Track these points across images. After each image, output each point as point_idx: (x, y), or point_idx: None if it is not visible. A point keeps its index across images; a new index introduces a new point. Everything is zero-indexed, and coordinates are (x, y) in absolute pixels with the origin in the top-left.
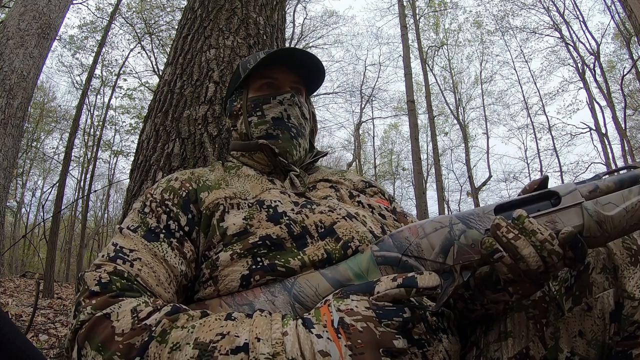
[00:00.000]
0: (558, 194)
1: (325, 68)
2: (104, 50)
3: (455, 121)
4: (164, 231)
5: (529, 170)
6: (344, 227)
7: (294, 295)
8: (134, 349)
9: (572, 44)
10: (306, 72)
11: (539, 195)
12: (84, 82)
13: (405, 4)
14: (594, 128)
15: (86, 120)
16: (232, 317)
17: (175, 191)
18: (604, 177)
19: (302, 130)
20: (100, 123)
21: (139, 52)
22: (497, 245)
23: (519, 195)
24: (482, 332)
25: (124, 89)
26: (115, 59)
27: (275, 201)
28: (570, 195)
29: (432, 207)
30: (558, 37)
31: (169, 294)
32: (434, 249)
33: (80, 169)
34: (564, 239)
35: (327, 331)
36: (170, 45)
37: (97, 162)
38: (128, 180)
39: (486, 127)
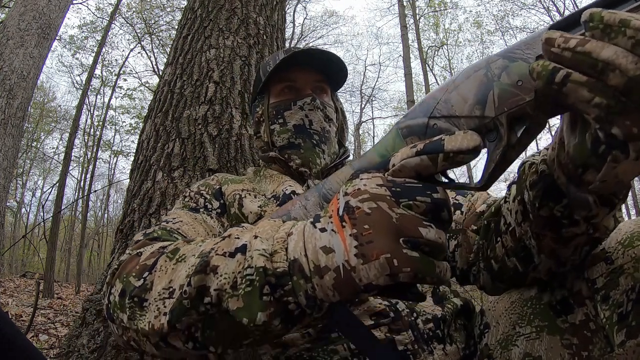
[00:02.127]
0: None
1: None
2: (104, 50)
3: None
4: (202, 208)
5: None
6: None
7: (322, 195)
8: (146, 268)
9: None
10: (327, 69)
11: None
12: (84, 82)
13: (405, 4)
14: None
15: (86, 120)
16: (242, 226)
17: (209, 185)
18: None
19: (325, 134)
20: (100, 123)
21: (139, 52)
22: (553, 64)
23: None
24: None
25: (124, 89)
26: (115, 59)
27: (289, 187)
28: None
29: None
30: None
31: None
32: (467, 102)
33: (80, 169)
34: None
35: (331, 222)
36: (170, 45)
37: (97, 162)
38: (128, 180)
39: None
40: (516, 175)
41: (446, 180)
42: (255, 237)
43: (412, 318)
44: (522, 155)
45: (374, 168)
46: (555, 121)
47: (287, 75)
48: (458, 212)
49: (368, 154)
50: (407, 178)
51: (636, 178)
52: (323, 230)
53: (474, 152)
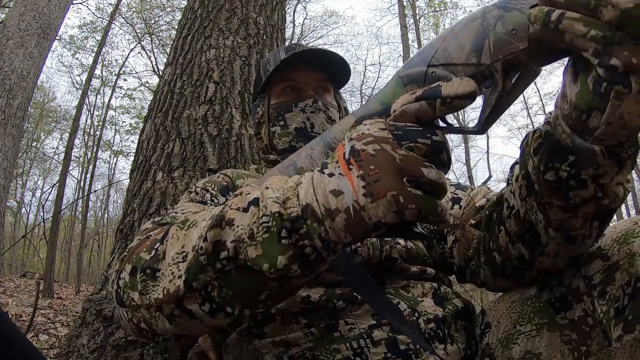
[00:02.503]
0: None
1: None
2: (104, 50)
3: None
4: (209, 201)
5: None
6: None
7: (327, 144)
8: (157, 241)
9: None
10: (329, 68)
11: None
12: (84, 82)
13: (405, 4)
14: None
15: (86, 120)
16: (250, 185)
17: (215, 182)
18: None
19: None
20: (100, 123)
21: (139, 52)
22: (548, 7)
23: None
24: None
25: (124, 89)
26: (115, 59)
27: None
28: None
29: None
30: None
31: None
32: (464, 50)
33: (80, 169)
34: None
35: (338, 166)
36: (170, 45)
37: (97, 162)
38: (128, 180)
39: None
40: (518, 157)
41: (444, 125)
42: (267, 188)
43: (414, 318)
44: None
45: (376, 115)
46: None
47: (288, 74)
48: (456, 206)
49: (370, 103)
50: (407, 123)
51: (636, 178)
52: (331, 175)
53: (469, 97)
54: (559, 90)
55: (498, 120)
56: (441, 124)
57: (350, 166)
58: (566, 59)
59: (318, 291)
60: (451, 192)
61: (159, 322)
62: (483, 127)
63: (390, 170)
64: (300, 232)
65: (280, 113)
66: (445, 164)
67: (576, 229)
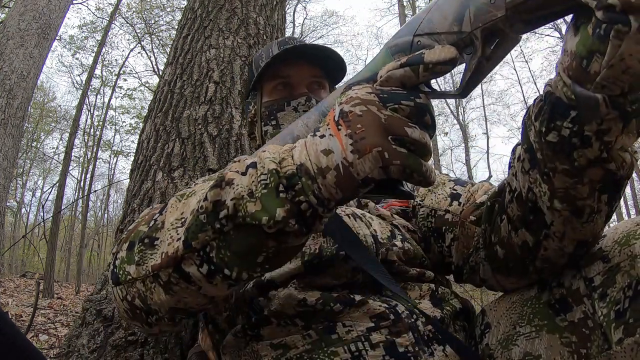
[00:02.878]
0: None
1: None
2: (104, 50)
3: (455, 121)
4: None
5: None
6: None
7: (322, 112)
8: (155, 214)
9: None
10: (325, 63)
11: None
12: (84, 82)
13: (405, 4)
14: None
15: (86, 120)
16: (250, 156)
17: (213, 178)
18: None
19: None
20: (100, 123)
21: (139, 52)
22: None
23: None
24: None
25: (124, 89)
26: (115, 59)
27: None
28: None
29: None
30: (558, 37)
31: None
32: (447, 19)
33: (80, 169)
34: None
35: (329, 128)
36: (170, 45)
37: (97, 162)
38: (128, 180)
39: (486, 127)
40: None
41: (429, 90)
42: (264, 152)
43: (412, 320)
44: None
45: (364, 81)
46: None
47: (280, 70)
48: (455, 202)
49: (361, 72)
50: (393, 87)
51: (636, 178)
52: (322, 136)
53: (450, 63)
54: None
55: (498, 121)
56: (425, 89)
57: (339, 127)
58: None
59: (314, 294)
60: (450, 188)
61: (155, 293)
62: (464, 90)
63: (376, 128)
64: (296, 189)
65: (272, 112)
66: (429, 126)
67: (583, 197)
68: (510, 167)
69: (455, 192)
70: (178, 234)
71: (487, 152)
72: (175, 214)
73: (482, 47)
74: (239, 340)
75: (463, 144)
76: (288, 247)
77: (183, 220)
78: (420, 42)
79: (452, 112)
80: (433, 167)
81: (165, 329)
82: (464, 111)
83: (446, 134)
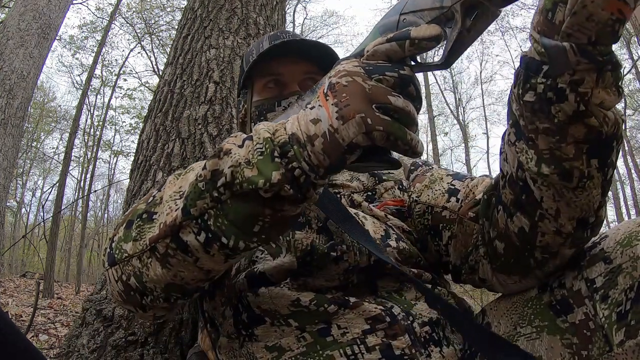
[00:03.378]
0: None
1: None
2: (104, 50)
3: (455, 121)
4: None
5: None
6: (335, 225)
7: (314, 91)
8: (153, 192)
9: None
10: (319, 59)
11: None
12: (84, 82)
13: None
14: None
15: (86, 120)
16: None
17: None
18: None
19: None
20: (100, 123)
21: (139, 52)
22: None
23: None
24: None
25: (124, 89)
26: (115, 59)
27: None
28: None
29: None
30: None
31: None
32: None
33: (80, 169)
34: None
35: (318, 99)
36: (170, 45)
37: (97, 162)
38: (128, 180)
39: (486, 127)
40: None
41: (413, 63)
42: (259, 126)
43: (409, 322)
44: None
45: (352, 56)
46: None
47: (271, 67)
48: (453, 198)
49: (353, 52)
50: (379, 61)
51: (636, 178)
52: (312, 107)
53: (435, 39)
54: None
55: (498, 121)
56: (411, 62)
57: (327, 97)
58: None
59: (308, 295)
60: (448, 183)
61: (151, 269)
62: (446, 61)
63: (360, 96)
64: (289, 156)
65: (262, 112)
66: (413, 97)
67: (569, 158)
68: (501, 153)
69: (453, 187)
70: (177, 205)
71: (487, 152)
72: (173, 188)
73: (462, 19)
74: (232, 342)
75: (463, 144)
76: (284, 215)
77: (181, 192)
78: (406, 19)
79: (452, 112)
80: (420, 139)
81: (160, 313)
82: (464, 111)
83: (446, 134)
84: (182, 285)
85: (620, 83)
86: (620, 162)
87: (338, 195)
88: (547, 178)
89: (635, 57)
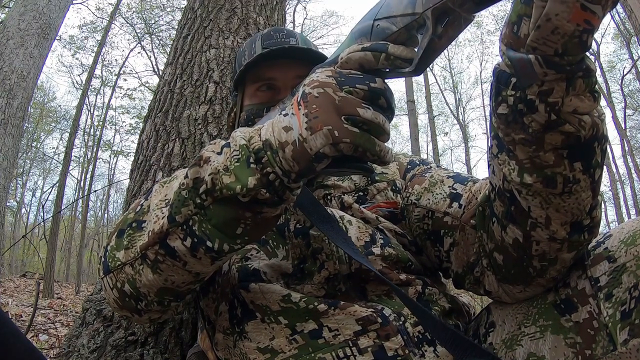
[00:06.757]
0: None
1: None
2: (104, 50)
3: (455, 121)
4: None
5: None
6: (315, 233)
7: (294, 95)
8: (140, 201)
9: None
10: (311, 59)
11: None
12: (84, 82)
13: None
14: None
15: (86, 120)
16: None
17: None
18: None
19: None
20: (100, 123)
21: (139, 52)
22: None
23: None
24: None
25: (124, 89)
26: (115, 59)
27: None
28: None
29: None
30: None
31: None
32: (403, 3)
33: (80, 169)
34: None
35: (292, 107)
36: (170, 45)
37: (97, 162)
38: (128, 180)
39: (486, 127)
40: None
41: (385, 71)
42: (236, 132)
43: (400, 322)
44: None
45: (327, 63)
46: None
47: (263, 72)
48: (455, 204)
49: (331, 56)
50: (352, 70)
51: (636, 177)
52: (286, 115)
53: (408, 62)
54: None
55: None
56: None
57: (300, 107)
58: None
59: (299, 293)
60: (449, 187)
61: (143, 275)
62: (417, 68)
63: (329, 108)
64: (263, 161)
65: (250, 118)
66: (384, 108)
67: (550, 165)
68: (489, 166)
69: (455, 191)
70: (163, 213)
71: (487, 152)
72: (159, 196)
73: (434, 26)
74: (227, 339)
75: (463, 144)
76: (264, 217)
77: (167, 200)
78: (379, 25)
79: (452, 112)
80: (390, 148)
81: (155, 316)
82: (464, 111)
83: (446, 134)
84: (173, 288)
85: (594, 87)
86: (620, 162)
87: (329, 197)
88: (531, 187)
89: (635, 57)
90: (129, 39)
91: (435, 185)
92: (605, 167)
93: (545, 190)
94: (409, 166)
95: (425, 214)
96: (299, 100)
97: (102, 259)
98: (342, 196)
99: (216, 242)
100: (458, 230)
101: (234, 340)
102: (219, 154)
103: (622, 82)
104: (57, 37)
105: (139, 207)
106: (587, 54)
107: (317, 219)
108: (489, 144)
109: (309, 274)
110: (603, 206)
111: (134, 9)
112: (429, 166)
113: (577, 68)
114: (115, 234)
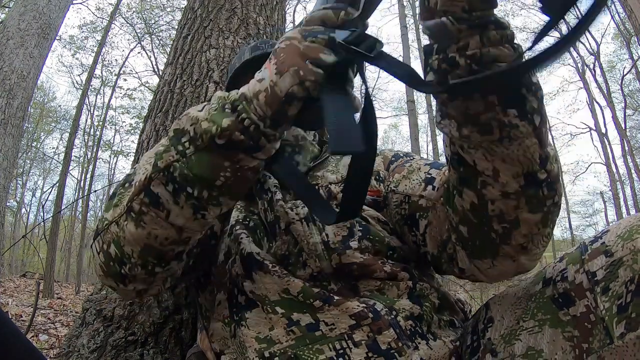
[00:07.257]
0: None
1: None
2: (104, 50)
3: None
4: None
5: None
6: (297, 230)
7: None
8: (136, 165)
9: None
10: None
11: None
12: (84, 82)
13: (405, 4)
14: (594, 128)
15: (86, 120)
16: None
17: None
18: None
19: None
20: (100, 123)
21: (139, 52)
22: None
23: None
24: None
25: (124, 89)
26: (115, 59)
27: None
28: None
29: None
30: (558, 37)
31: None
32: None
33: (80, 169)
34: None
35: (265, 65)
36: (170, 45)
37: (97, 162)
38: None
39: None
40: None
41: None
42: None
43: (392, 316)
44: None
45: (297, 26)
46: None
47: (249, 79)
48: (430, 187)
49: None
50: (315, 26)
51: (636, 177)
52: (259, 72)
53: (356, 6)
54: None
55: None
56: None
57: (270, 60)
58: None
59: (297, 285)
60: (425, 172)
61: (127, 231)
62: (363, 13)
63: (294, 54)
64: (239, 109)
65: None
66: (344, 56)
67: (481, 112)
68: (444, 142)
69: (429, 176)
70: (149, 165)
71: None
72: (147, 156)
73: None
74: (224, 330)
75: None
76: (242, 167)
77: (154, 155)
78: None
79: None
80: (355, 96)
81: (140, 287)
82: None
83: None
84: (156, 247)
85: (513, 40)
86: (620, 162)
87: (316, 187)
88: (470, 138)
89: (635, 57)
90: (129, 39)
91: (413, 172)
92: (605, 167)
93: (482, 138)
94: (392, 158)
95: (402, 199)
96: (270, 57)
97: (95, 227)
98: (329, 186)
99: (196, 189)
100: (430, 210)
101: (233, 330)
102: (200, 110)
103: (622, 82)
104: (57, 37)
105: (132, 170)
106: (497, 12)
107: (299, 189)
108: (434, 116)
109: (292, 273)
110: (601, 204)
111: (134, 9)
112: (411, 157)
113: (487, 20)
114: (110, 198)
